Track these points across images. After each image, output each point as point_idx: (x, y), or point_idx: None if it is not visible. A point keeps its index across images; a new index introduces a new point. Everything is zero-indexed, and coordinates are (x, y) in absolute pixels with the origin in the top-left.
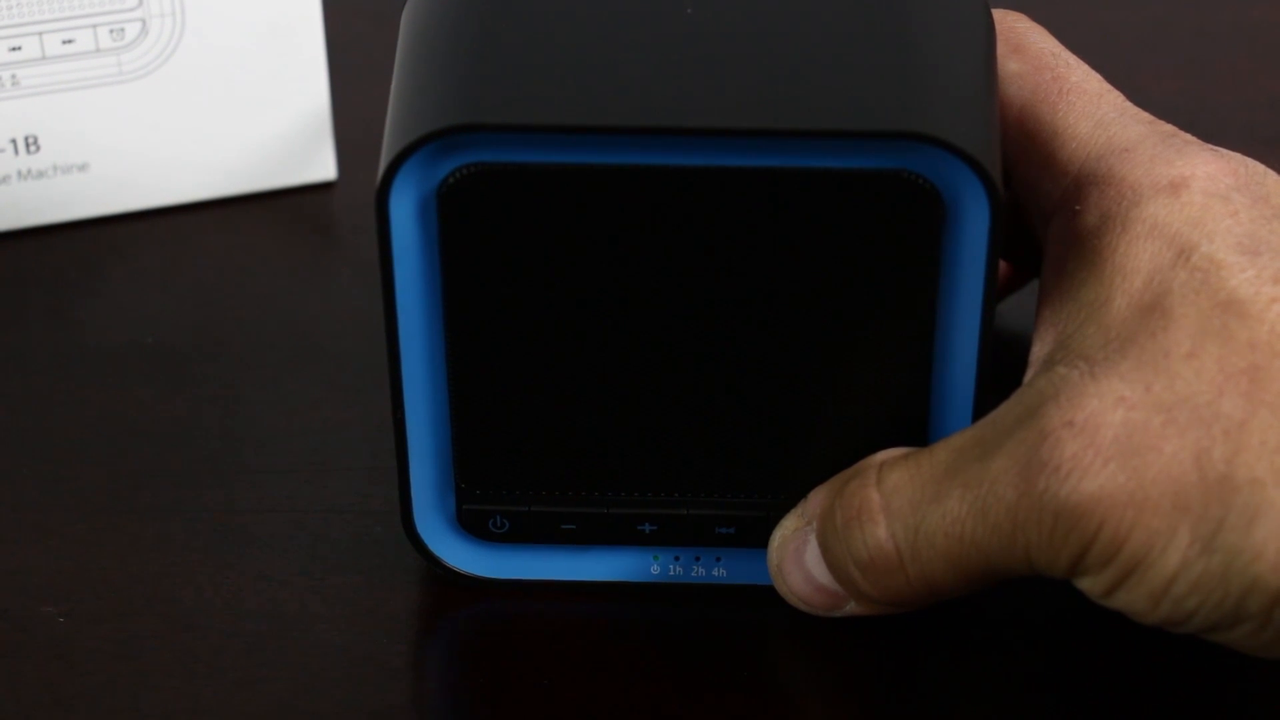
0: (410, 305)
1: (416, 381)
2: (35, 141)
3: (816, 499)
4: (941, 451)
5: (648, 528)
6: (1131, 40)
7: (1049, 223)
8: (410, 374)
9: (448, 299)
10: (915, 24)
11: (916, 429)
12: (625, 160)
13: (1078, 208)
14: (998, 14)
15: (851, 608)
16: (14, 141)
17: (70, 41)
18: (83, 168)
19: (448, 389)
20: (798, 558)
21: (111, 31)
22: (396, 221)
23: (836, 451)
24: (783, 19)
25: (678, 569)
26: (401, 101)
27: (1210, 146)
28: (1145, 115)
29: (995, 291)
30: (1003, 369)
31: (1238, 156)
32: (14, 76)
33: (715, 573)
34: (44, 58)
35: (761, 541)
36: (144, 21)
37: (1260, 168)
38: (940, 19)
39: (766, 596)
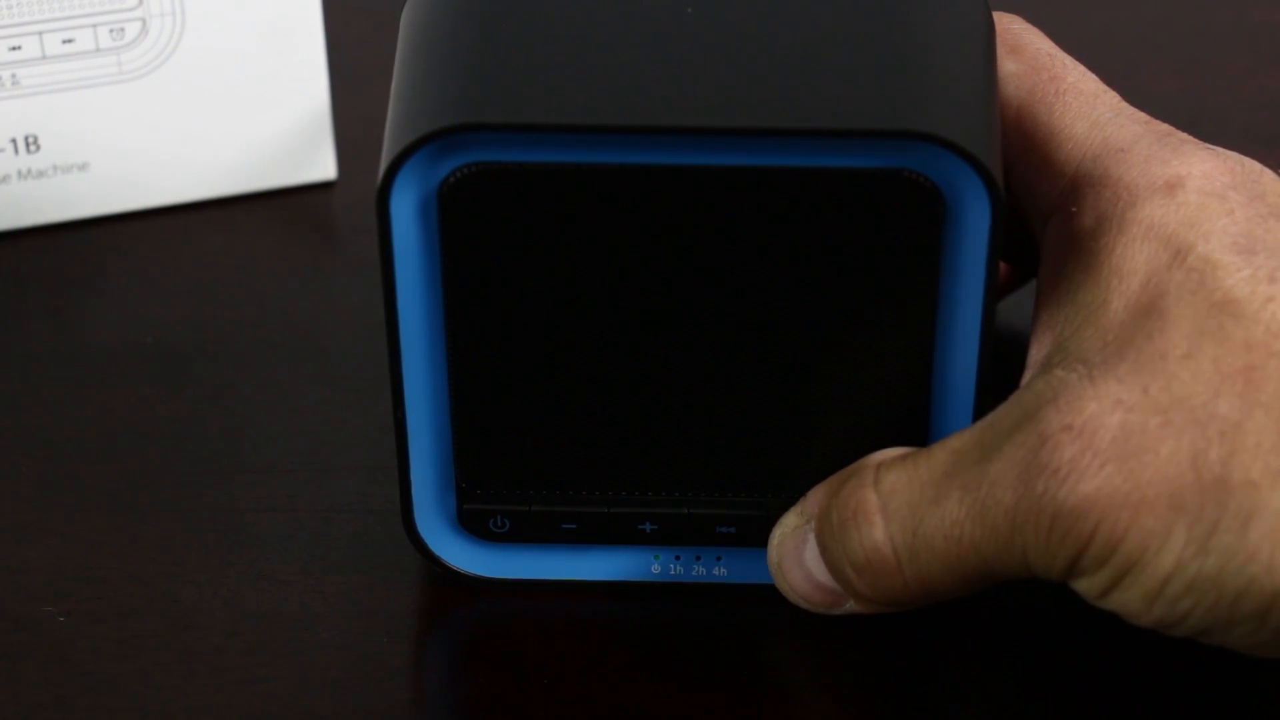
0: (411, 305)
1: (417, 381)
2: (35, 141)
3: (815, 498)
4: (940, 453)
5: (648, 527)
6: (1130, 40)
7: (1046, 224)
8: (411, 374)
9: (448, 298)
10: (915, 23)
11: (917, 428)
12: (625, 159)
13: (1074, 209)
14: (994, 15)
15: (852, 606)
16: (14, 141)
17: (70, 41)
18: (83, 167)
19: (448, 389)
20: (797, 556)
21: (111, 31)
22: (397, 221)
23: (837, 451)
24: (783, 18)
25: (678, 568)
26: (402, 101)
27: (1206, 145)
28: (1141, 115)
29: (996, 290)
30: (1002, 368)
31: (1234, 155)
32: (14, 76)
33: (716, 572)
34: (44, 57)
35: (762, 540)
36: (144, 21)
37: (1257, 166)
38: (940, 18)
39: (767, 595)
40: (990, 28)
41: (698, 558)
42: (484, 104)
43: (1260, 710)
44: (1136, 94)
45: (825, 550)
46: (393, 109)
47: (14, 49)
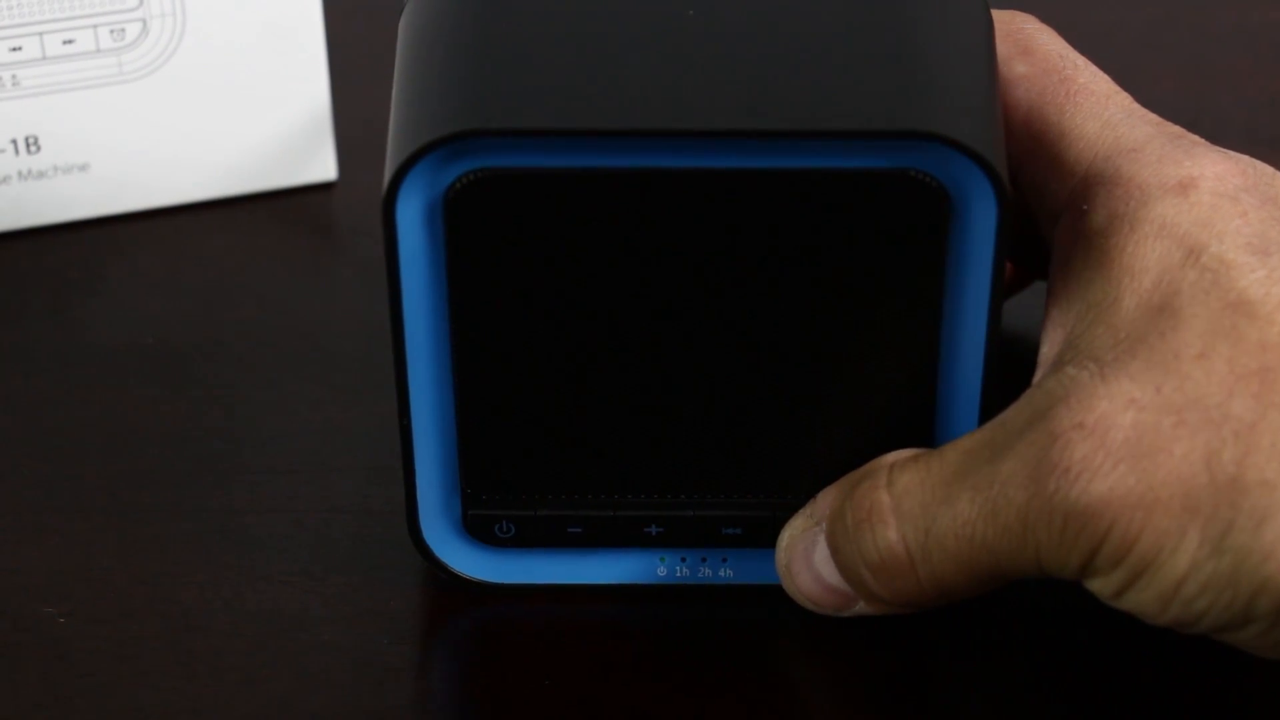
0: (416, 311)
1: (422, 387)
2: (35, 141)
3: (826, 500)
4: (951, 453)
5: (654, 530)
6: (1131, 40)
7: (1056, 223)
8: (416, 379)
9: (454, 304)
10: (917, 23)
11: (923, 429)
12: (630, 163)
13: (1085, 208)
14: (1005, 15)
15: (860, 607)
16: (14, 141)
17: (71, 42)
18: (83, 168)
19: (454, 394)
20: (806, 558)
21: (112, 31)
22: (403, 227)
23: (842, 451)
24: (785, 20)
25: (684, 570)
26: (404, 107)
27: (1218, 148)
28: (1153, 116)
29: (1002, 290)
30: (1008, 369)
31: (1245, 158)
32: (14, 76)
33: (722, 573)
34: (44, 58)
35: (768, 542)
36: (144, 21)
37: (1268, 169)
38: (941, 18)
39: (774, 596)
40: (990, 26)
41: (704, 560)
42: (488, 110)
43: (1265, 710)
44: (1137, 94)
45: (838, 551)
46: (395, 115)
47: (14, 50)
